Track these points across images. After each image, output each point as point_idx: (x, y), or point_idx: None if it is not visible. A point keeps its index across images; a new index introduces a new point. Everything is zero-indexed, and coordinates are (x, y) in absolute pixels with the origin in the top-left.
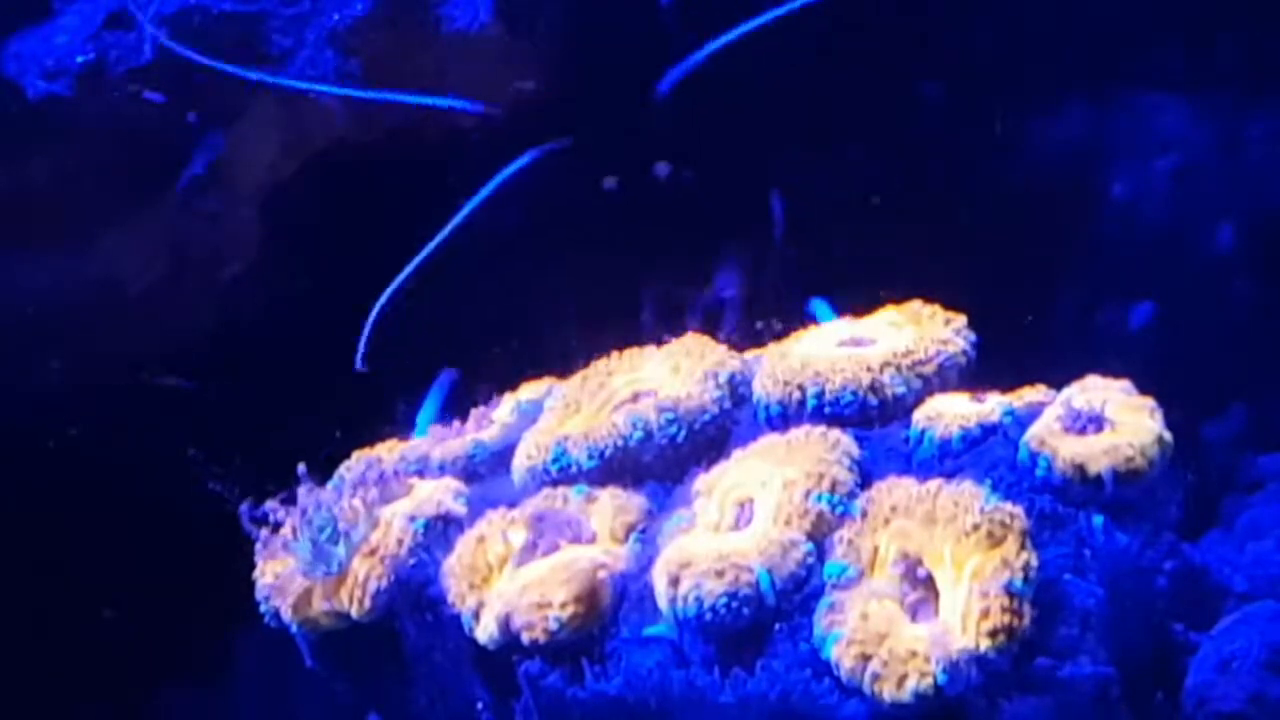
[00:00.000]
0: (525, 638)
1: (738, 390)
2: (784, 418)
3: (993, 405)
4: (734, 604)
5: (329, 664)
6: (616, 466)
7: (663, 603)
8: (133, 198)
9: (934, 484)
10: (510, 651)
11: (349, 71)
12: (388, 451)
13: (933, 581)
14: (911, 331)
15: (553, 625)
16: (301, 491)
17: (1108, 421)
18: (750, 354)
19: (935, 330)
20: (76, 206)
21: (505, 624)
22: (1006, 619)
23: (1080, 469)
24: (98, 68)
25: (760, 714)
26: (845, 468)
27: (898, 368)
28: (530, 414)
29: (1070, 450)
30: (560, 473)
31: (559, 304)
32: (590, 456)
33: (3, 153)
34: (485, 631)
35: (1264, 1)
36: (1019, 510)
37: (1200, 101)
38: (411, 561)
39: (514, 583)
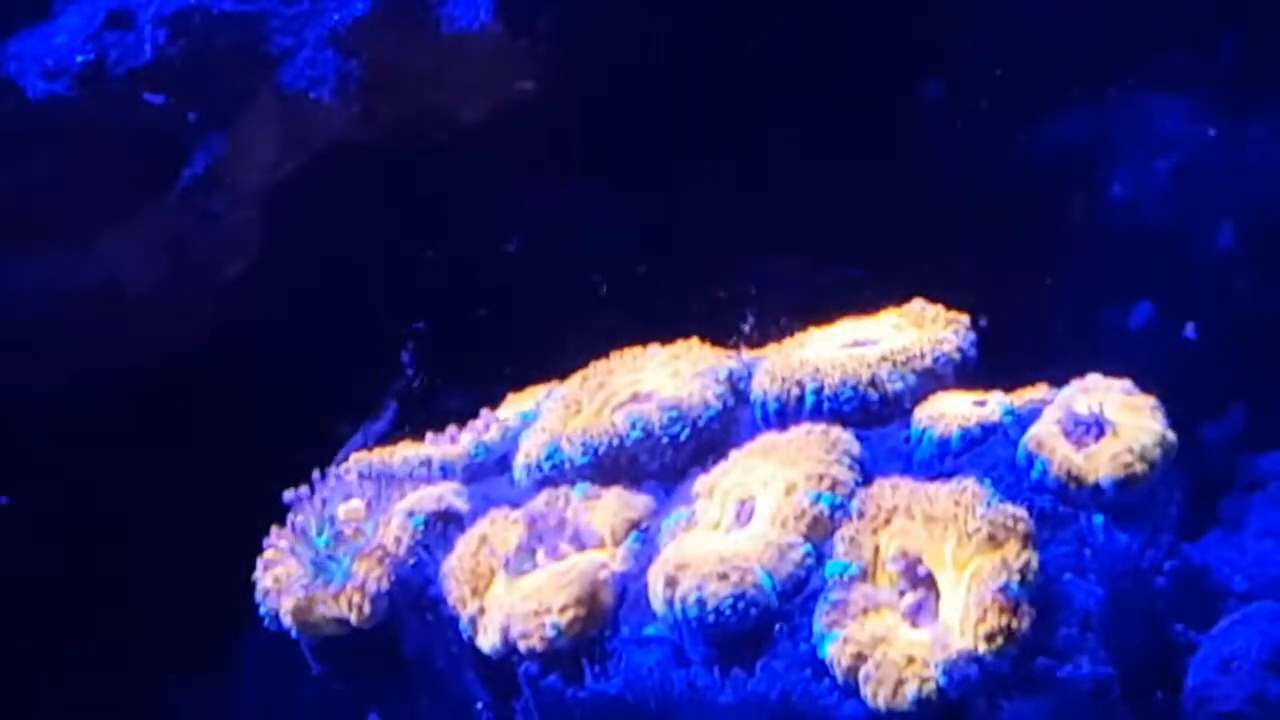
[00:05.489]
0: (523, 646)
1: (738, 388)
2: (782, 415)
3: (993, 405)
4: (740, 605)
5: (329, 666)
6: (610, 465)
7: (658, 604)
8: (133, 198)
9: (935, 484)
10: (511, 655)
11: (349, 71)
12: (388, 455)
13: (933, 580)
14: (913, 332)
15: (550, 633)
16: (298, 503)
17: (1109, 424)
18: (750, 354)
19: (935, 330)
20: (76, 206)
21: (505, 633)
22: (1005, 620)
23: (1079, 478)
24: (98, 68)
25: (760, 714)
26: (845, 466)
27: (894, 363)
28: (533, 416)
29: (1070, 455)
30: (554, 470)
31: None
32: (584, 453)
33: (3, 153)
34: (487, 641)
35: (1264, 1)
36: (1022, 513)
37: (1200, 101)
38: (411, 561)
39: (514, 591)
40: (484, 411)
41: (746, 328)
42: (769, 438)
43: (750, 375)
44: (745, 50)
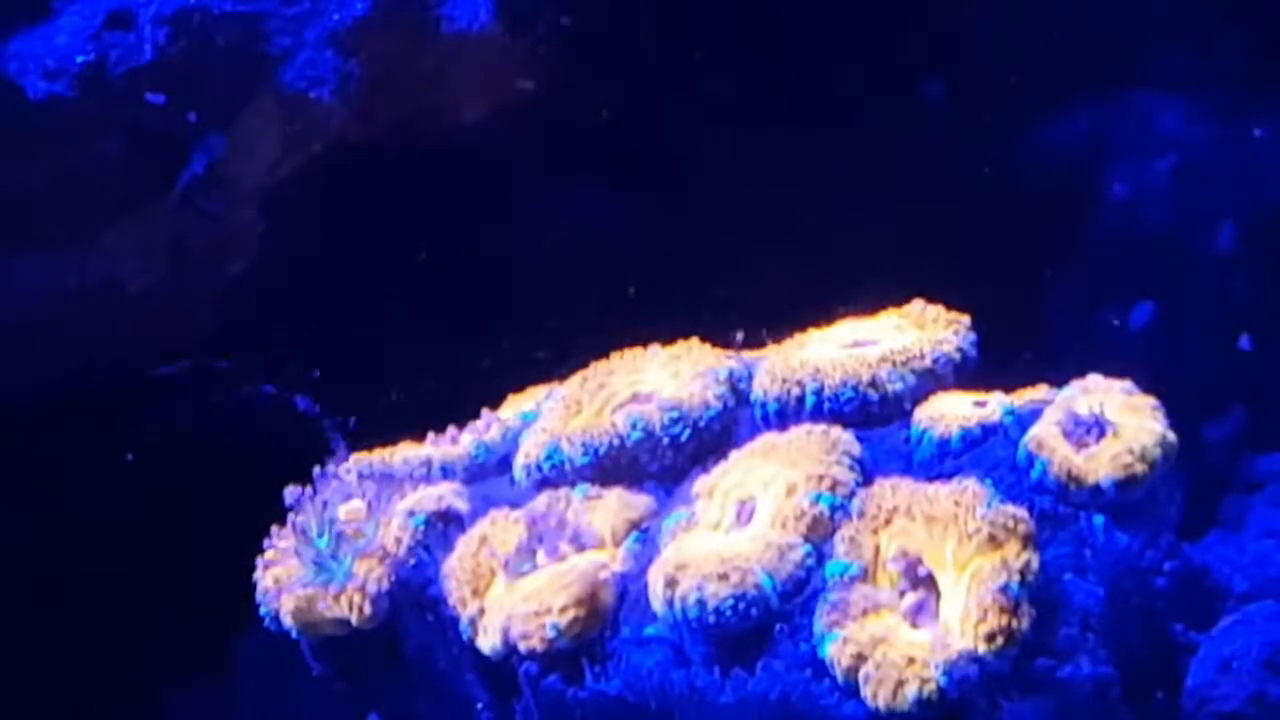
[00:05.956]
0: (523, 646)
1: (738, 389)
2: (782, 415)
3: (994, 406)
4: (740, 605)
5: (330, 666)
6: (610, 465)
7: (658, 604)
8: (133, 198)
9: (935, 484)
10: (511, 655)
11: (349, 71)
12: (388, 455)
13: (933, 581)
14: (913, 333)
15: (550, 633)
16: (298, 503)
17: (1109, 425)
18: (750, 355)
19: (935, 331)
20: (76, 206)
21: (505, 633)
22: (1005, 621)
23: (1079, 478)
24: (98, 68)
25: (760, 714)
26: (846, 467)
27: (894, 364)
28: (533, 416)
29: (1070, 456)
30: (554, 470)
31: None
32: (584, 454)
33: (3, 153)
34: (487, 642)
35: (1264, 1)
36: (1023, 513)
37: (1201, 101)
38: (411, 561)
39: (514, 592)
40: (484, 412)
41: (745, 328)
42: (769, 438)
43: (750, 376)
44: (746, 50)
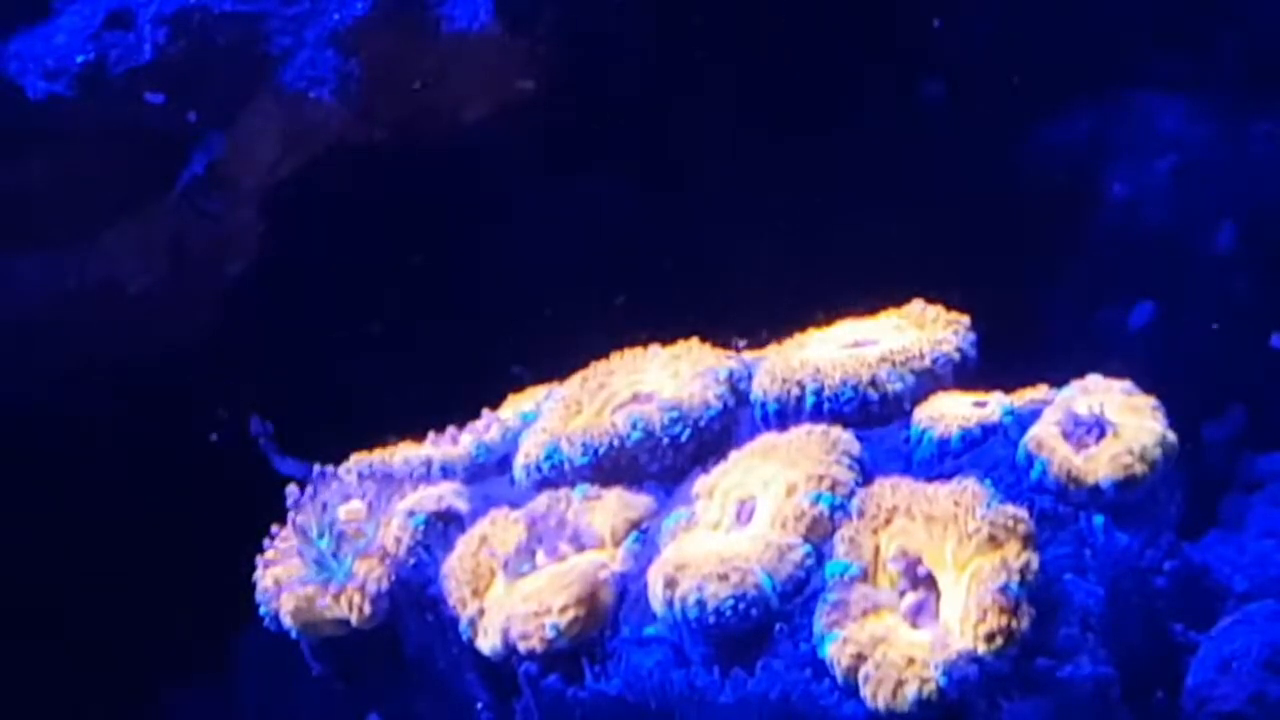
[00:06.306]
0: (522, 647)
1: (738, 389)
2: (781, 415)
3: (994, 406)
4: (740, 605)
5: (329, 666)
6: (610, 465)
7: (658, 604)
8: (133, 198)
9: (935, 484)
10: (511, 655)
11: (349, 71)
12: (388, 455)
13: (933, 581)
14: (913, 333)
15: (550, 633)
16: (299, 503)
17: (1109, 425)
18: (750, 355)
19: (935, 331)
20: (76, 206)
21: (505, 634)
22: (1005, 621)
23: (1078, 478)
24: (98, 68)
25: (760, 714)
26: (845, 467)
27: (894, 364)
28: (533, 416)
29: (1069, 456)
30: (553, 470)
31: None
32: (584, 454)
33: (3, 153)
34: (487, 642)
35: (1264, 1)
36: (1023, 513)
37: (1200, 101)
38: (411, 562)
39: (514, 592)
40: (485, 412)
41: (745, 328)
42: (769, 438)
43: (750, 376)
44: (746, 50)
